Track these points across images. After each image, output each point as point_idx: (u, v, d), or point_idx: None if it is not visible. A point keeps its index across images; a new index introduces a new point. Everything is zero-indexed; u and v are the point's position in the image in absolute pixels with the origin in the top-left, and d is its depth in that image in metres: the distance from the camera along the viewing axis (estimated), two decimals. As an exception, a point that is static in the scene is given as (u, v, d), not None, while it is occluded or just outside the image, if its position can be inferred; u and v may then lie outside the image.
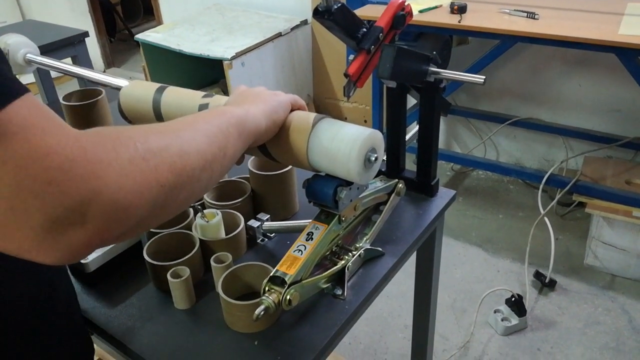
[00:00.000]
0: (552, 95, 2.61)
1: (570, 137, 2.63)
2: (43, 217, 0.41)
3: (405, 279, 1.43)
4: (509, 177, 2.81)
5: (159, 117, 0.92)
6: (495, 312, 1.99)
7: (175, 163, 0.52)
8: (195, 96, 0.89)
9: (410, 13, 0.87)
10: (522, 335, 1.94)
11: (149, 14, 4.77)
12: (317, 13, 0.77)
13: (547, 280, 2.11)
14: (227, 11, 3.35)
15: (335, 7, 0.76)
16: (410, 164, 1.12)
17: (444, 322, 2.01)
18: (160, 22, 3.87)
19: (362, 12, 2.30)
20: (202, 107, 0.85)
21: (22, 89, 0.42)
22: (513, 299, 1.96)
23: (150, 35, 3.07)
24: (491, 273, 2.24)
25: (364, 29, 0.82)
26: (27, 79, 3.47)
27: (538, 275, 2.14)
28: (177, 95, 0.90)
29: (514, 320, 1.95)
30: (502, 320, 1.95)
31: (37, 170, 0.41)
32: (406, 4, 0.87)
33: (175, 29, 3.14)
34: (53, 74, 1.87)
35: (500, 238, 2.43)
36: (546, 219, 2.22)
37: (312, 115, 0.78)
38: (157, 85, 0.93)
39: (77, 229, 0.43)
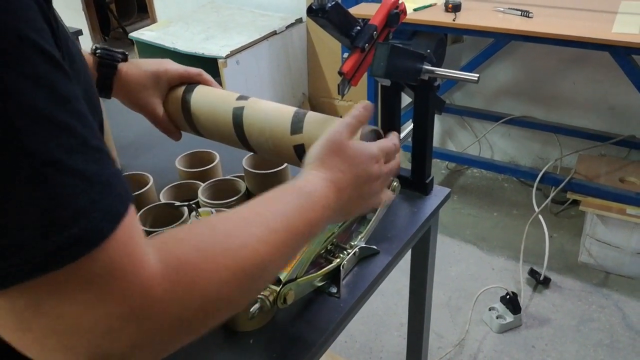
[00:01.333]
0: (547, 94, 2.62)
1: (564, 135, 2.64)
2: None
3: (400, 277, 1.43)
4: (504, 175, 2.82)
5: (189, 120, 0.91)
6: (490, 309, 2.00)
7: (238, 305, 0.50)
8: (228, 98, 0.88)
9: (404, 11, 0.87)
10: (516, 333, 1.95)
11: (143, 12, 4.75)
12: (311, 11, 0.77)
13: (541, 278, 2.12)
14: (222, 9, 3.34)
15: (329, 5, 0.76)
16: (405, 162, 1.12)
17: (439, 320, 2.01)
18: (154, 20, 3.86)
19: (357, 10, 2.31)
20: (237, 110, 0.85)
21: (131, 200, 0.41)
22: (508, 297, 1.97)
23: (144, 34, 3.06)
24: (486, 271, 2.24)
25: (358, 27, 0.82)
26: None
27: (532, 273, 2.15)
28: (209, 97, 0.90)
29: (509, 317, 1.95)
30: (497, 317, 1.96)
31: (114, 311, 0.38)
32: (400, 2, 0.87)
33: (170, 27, 3.13)
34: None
35: (495, 236, 2.44)
36: (540, 217, 2.23)
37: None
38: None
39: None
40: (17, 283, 0.36)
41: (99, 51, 0.88)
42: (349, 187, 0.62)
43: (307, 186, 0.58)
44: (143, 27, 3.21)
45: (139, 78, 0.91)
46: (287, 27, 3.02)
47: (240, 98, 0.89)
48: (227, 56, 2.70)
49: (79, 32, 2.45)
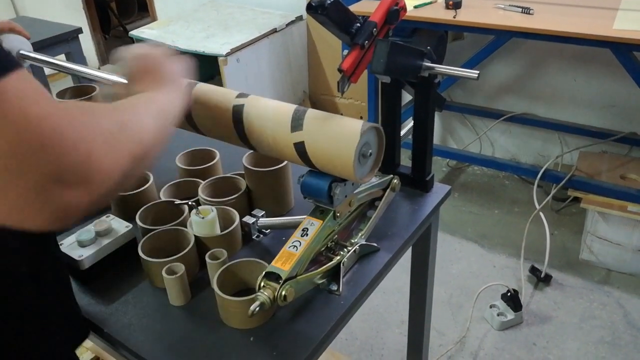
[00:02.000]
0: (548, 91, 2.62)
1: (566, 132, 2.63)
2: (37, 177, 0.44)
3: (401, 274, 1.43)
4: (505, 172, 2.82)
5: (188, 118, 0.91)
6: (491, 307, 2.00)
7: (141, 137, 0.58)
8: (228, 95, 0.88)
9: (404, 8, 0.87)
10: (517, 330, 1.95)
11: (144, 11, 4.75)
12: (310, 8, 0.76)
13: (542, 275, 2.12)
14: (222, 7, 3.34)
15: (329, 2, 0.76)
16: (405, 159, 1.12)
17: (440, 318, 2.01)
18: (154, 19, 3.85)
19: (357, 7, 2.30)
20: (237, 107, 0.85)
21: (16, 64, 0.45)
22: (509, 294, 1.96)
23: (145, 32, 3.06)
24: (487, 268, 2.24)
25: (358, 24, 0.81)
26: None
27: (534, 271, 2.15)
28: (209, 94, 0.90)
29: (510, 315, 1.95)
30: (498, 315, 1.96)
31: (32, 135, 0.44)
32: (400, -2, 0.87)
33: (170, 26, 3.12)
34: (47, 70, 1.87)
35: (496, 233, 2.43)
36: (541, 214, 2.23)
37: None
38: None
39: (68, 189, 0.46)
40: None
41: None
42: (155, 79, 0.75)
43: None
44: (143, 25, 3.20)
45: None
46: (288, 24, 3.01)
47: (240, 96, 0.89)
48: (228, 54, 2.70)
49: (79, 31, 2.45)
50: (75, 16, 4.28)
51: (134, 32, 3.07)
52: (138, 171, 0.59)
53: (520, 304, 1.96)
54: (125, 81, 0.80)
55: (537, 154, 2.82)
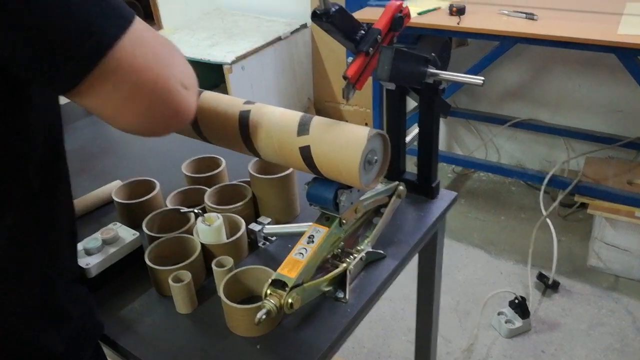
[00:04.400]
0: (553, 96, 2.61)
1: (571, 137, 2.63)
2: (175, 81, 0.57)
3: (408, 281, 1.42)
4: (511, 178, 2.81)
5: (194, 125, 0.91)
6: (498, 314, 1.99)
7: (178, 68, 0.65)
8: (235, 102, 0.89)
9: (408, 15, 0.87)
10: (526, 338, 1.93)
11: (149, 19, 4.78)
12: (315, 16, 0.77)
13: (550, 282, 2.10)
14: (227, 16, 3.35)
15: (333, 9, 0.76)
16: (411, 166, 1.12)
17: (448, 325, 2.00)
18: (160, 27, 3.87)
19: (361, 15, 2.31)
20: (243, 112, 0.86)
21: (133, 12, 0.56)
22: (516, 301, 1.95)
23: (150, 41, 3.08)
24: (494, 275, 2.23)
25: (362, 31, 0.82)
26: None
27: (541, 277, 2.14)
28: (215, 102, 0.90)
29: (518, 322, 1.94)
30: (506, 322, 1.95)
31: (161, 45, 0.58)
32: (404, 5, 0.87)
33: (176, 34, 3.14)
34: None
35: (502, 240, 2.42)
36: (548, 221, 2.22)
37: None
38: None
39: (189, 91, 0.59)
40: (120, 35, 0.52)
41: None
42: None
43: None
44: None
45: None
46: (292, 32, 3.02)
47: (246, 103, 0.89)
48: (233, 62, 2.71)
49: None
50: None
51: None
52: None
53: (528, 311, 1.95)
54: None
55: (543, 159, 2.81)
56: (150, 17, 4.22)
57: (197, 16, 3.45)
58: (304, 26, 3.09)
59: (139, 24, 0.56)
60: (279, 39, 2.95)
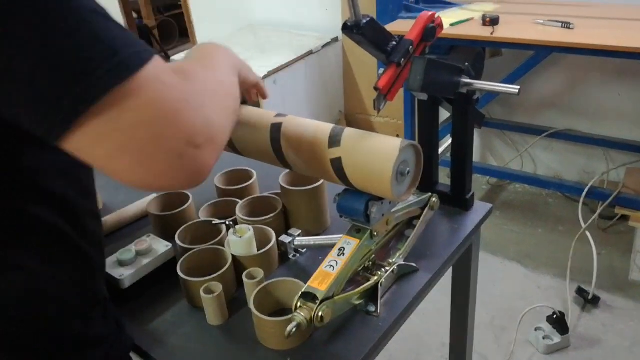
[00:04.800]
0: (591, 106, 2.55)
1: (611, 148, 2.55)
2: (177, 141, 0.51)
3: (441, 296, 1.39)
4: (548, 190, 2.74)
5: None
6: (536, 330, 1.93)
7: (233, 91, 0.68)
8: (267, 115, 0.89)
9: (440, 25, 0.86)
10: (565, 354, 1.87)
11: (185, 37, 4.88)
12: (346, 28, 0.77)
13: (590, 297, 2.03)
14: (259, 31, 3.40)
15: (364, 21, 0.76)
16: (444, 177, 1.10)
17: (483, 341, 1.95)
18: (195, 44, 3.95)
19: (392, 27, 2.30)
20: (275, 125, 0.86)
21: (152, 50, 0.53)
22: (555, 316, 1.89)
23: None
24: (531, 289, 2.17)
25: (394, 42, 0.81)
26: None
27: (580, 292, 2.07)
28: (247, 114, 0.91)
29: (556, 338, 1.88)
30: (544, 338, 1.89)
31: (170, 99, 0.51)
32: (436, 16, 0.86)
33: (209, 50, 3.20)
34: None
35: (540, 253, 2.36)
36: (588, 233, 2.15)
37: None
38: None
39: (200, 150, 0.53)
40: (109, 89, 0.48)
41: None
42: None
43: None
44: (184, 50, 3.29)
45: None
46: (323, 46, 3.04)
47: (278, 115, 0.89)
48: (265, 76, 2.73)
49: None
50: (119, 43, 4.43)
51: (175, 57, 3.16)
52: (234, 126, 0.66)
53: (567, 326, 1.89)
54: None
55: (581, 170, 2.73)
56: (185, 34, 4.32)
57: (231, 32, 3.51)
58: (335, 40, 3.10)
59: (156, 63, 0.52)
60: (311, 52, 2.97)
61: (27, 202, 0.61)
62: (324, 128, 0.84)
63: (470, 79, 0.90)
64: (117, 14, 4.39)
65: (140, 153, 0.50)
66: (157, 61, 0.52)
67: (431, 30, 0.83)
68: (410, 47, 0.81)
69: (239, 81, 0.82)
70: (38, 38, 0.47)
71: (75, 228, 0.67)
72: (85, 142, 0.50)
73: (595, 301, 2.04)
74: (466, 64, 0.86)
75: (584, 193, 2.25)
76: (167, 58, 4.41)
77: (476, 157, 3.01)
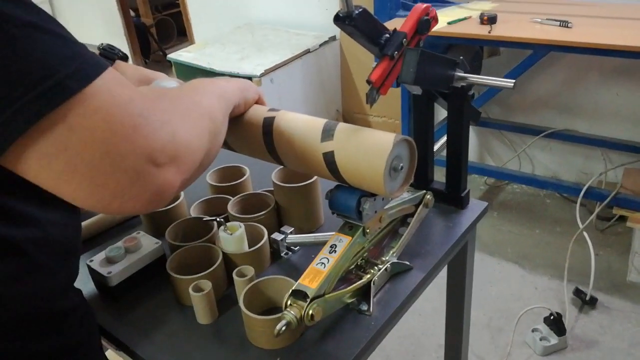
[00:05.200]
0: (589, 106, 2.53)
1: (609, 148, 2.54)
2: (134, 159, 0.48)
3: (438, 296, 1.38)
4: (546, 190, 2.73)
5: None
6: (533, 331, 1.91)
7: (211, 113, 0.63)
8: (260, 110, 0.88)
9: (435, 18, 0.84)
10: (562, 356, 1.85)
11: (183, 36, 4.87)
12: (337, 19, 0.75)
13: (587, 298, 2.02)
14: (257, 30, 3.38)
15: (357, 12, 0.74)
16: (439, 176, 1.08)
17: (480, 342, 1.94)
18: (192, 42, 3.94)
19: (390, 25, 2.27)
20: (267, 119, 0.85)
21: (105, 64, 0.50)
22: (552, 318, 1.88)
23: (182, 55, 3.12)
24: (528, 290, 2.15)
25: (387, 35, 0.80)
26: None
27: (578, 293, 2.05)
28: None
29: (553, 339, 1.86)
30: (541, 339, 1.87)
31: (124, 116, 0.48)
32: (431, 8, 0.84)
33: (206, 49, 3.18)
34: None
35: (537, 254, 2.34)
36: (585, 234, 2.13)
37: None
38: None
39: (161, 169, 0.50)
40: (46, 113, 0.45)
41: (102, 47, 0.98)
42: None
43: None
44: (182, 49, 3.27)
45: (129, 76, 0.96)
46: (321, 45, 3.02)
47: (271, 110, 0.88)
48: (262, 75, 2.72)
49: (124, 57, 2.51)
50: (117, 41, 4.42)
51: (172, 56, 3.14)
52: (214, 149, 0.64)
53: (564, 327, 1.87)
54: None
55: (579, 171, 2.72)
56: (184, 32, 4.31)
57: (228, 31, 3.49)
58: (333, 39, 3.09)
59: (106, 78, 0.49)
60: (308, 51, 2.96)
61: None
62: (317, 122, 0.82)
63: (465, 73, 0.88)
64: (114, 12, 4.38)
65: (92, 173, 0.47)
66: (108, 75, 0.49)
67: (425, 22, 0.81)
68: (404, 39, 0.80)
69: (241, 104, 0.82)
70: None
71: (35, 241, 0.60)
72: (30, 165, 0.47)
73: (592, 302, 2.02)
74: (461, 57, 0.85)
75: (582, 193, 2.23)
76: (164, 57, 4.39)
77: (474, 157, 3.00)
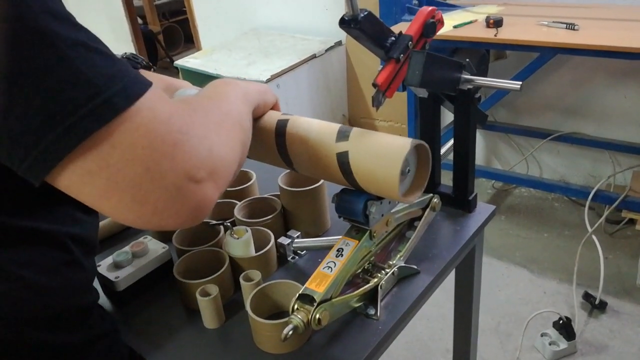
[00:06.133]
0: (597, 108, 2.52)
1: (617, 151, 2.52)
2: (175, 175, 0.48)
3: (445, 301, 1.37)
4: (554, 194, 2.71)
5: None
6: (542, 335, 1.90)
7: (241, 122, 0.63)
8: (274, 114, 0.87)
9: (441, 20, 0.84)
10: (572, 361, 1.84)
11: (190, 42, 4.89)
12: (343, 22, 0.75)
13: (597, 302, 2.00)
14: (263, 36, 3.39)
15: (362, 15, 0.74)
16: (446, 180, 1.08)
17: (488, 347, 1.92)
18: (199, 49, 3.96)
19: (396, 29, 2.28)
20: (281, 121, 0.84)
21: (149, 82, 0.51)
22: (561, 322, 1.86)
23: (189, 61, 3.14)
24: (537, 294, 2.14)
25: (393, 38, 0.79)
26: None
27: (587, 297, 2.04)
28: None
29: (563, 344, 1.84)
30: (550, 344, 1.86)
31: (164, 132, 0.48)
32: (437, 11, 0.84)
33: (213, 54, 3.19)
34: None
35: (545, 258, 2.33)
36: (594, 237, 2.12)
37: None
38: None
39: (200, 185, 0.50)
40: (94, 131, 0.45)
41: (125, 56, 0.97)
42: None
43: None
44: (189, 55, 3.29)
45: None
46: (327, 50, 3.03)
47: (285, 114, 0.87)
48: (268, 80, 2.72)
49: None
50: (125, 48, 4.44)
51: (179, 62, 3.15)
52: (245, 158, 0.64)
53: (574, 332, 1.85)
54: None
55: (587, 174, 2.70)
56: (190, 39, 4.33)
57: (235, 37, 3.51)
58: (339, 43, 3.09)
59: (149, 96, 0.49)
60: (314, 56, 2.96)
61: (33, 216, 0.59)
62: (332, 125, 0.82)
63: (471, 75, 0.88)
64: (122, 19, 4.41)
65: (133, 190, 0.48)
66: (151, 92, 0.50)
67: (431, 25, 0.81)
68: (410, 42, 0.79)
69: (260, 106, 0.81)
70: (17, 76, 0.44)
71: (73, 237, 0.65)
72: (72, 181, 0.48)
73: (602, 306, 2.00)
74: (467, 60, 0.84)
75: (590, 197, 2.22)
76: (172, 64, 4.41)
77: (481, 160, 2.99)
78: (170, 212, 0.49)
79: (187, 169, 0.49)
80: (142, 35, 4.66)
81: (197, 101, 0.59)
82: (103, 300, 0.96)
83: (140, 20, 4.79)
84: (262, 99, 0.82)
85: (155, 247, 0.98)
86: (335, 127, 0.80)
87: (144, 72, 0.98)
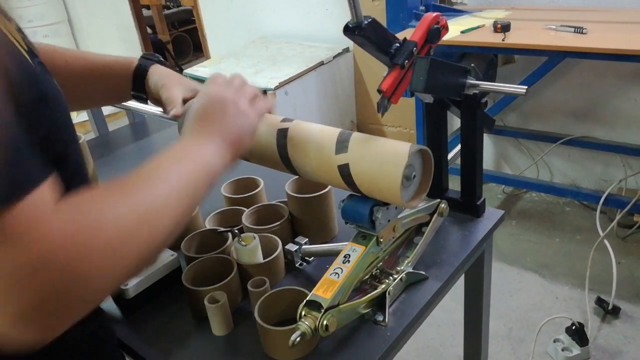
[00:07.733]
0: (607, 112, 2.50)
1: (628, 154, 2.50)
2: (33, 297, 0.43)
3: (456, 307, 1.36)
4: (565, 198, 2.69)
5: None
6: (554, 341, 1.88)
7: (158, 230, 0.54)
8: (273, 120, 0.88)
9: (445, 26, 0.84)
10: (585, 367, 1.82)
11: (199, 51, 4.93)
12: (347, 30, 0.75)
13: (610, 307, 1.98)
14: (271, 44, 3.41)
15: (366, 22, 0.74)
16: (454, 185, 1.08)
17: (500, 353, 1.91)
18: (208, 58, 3.98)
19: (402, 35, 2.29)
20: (281, 131, 0.85)
21: (41, 177, 0.45)
22: (574, 328, 1.84)
23: (197, 70, 3.16)
24: (549, 300, 2.12)
25: (397, 44, 0.80)
26: (81, 117, 3.64)
27: (600, 302, 2.01)
28: None
29: (576, 350, 1.82)
30: (563, 350, 1.84)
31: (34, 256, 0.43)
32: (441, 17, 0.84)
33: (222, 63, 3.21)
34: (105, 111, 1.92)
35: (557, 263, 2.31)
36: (606, 242, 2.10)
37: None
38: None
39: (55, 316, 0.45)
40: None
41: (143, 56, 1.01)
42: (215, 123, 0.71)
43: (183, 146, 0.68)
44: (198, 64, 3.31)
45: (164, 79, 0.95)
46: (335, 57, 3.04)
47: (284, 120, 0.88)
48: (276, 88, 2.74)
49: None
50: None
51: (188, 71, 3.18)
52: (147, 264, 0.58)
53: (587, 338, 1.83)
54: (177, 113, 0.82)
55: (598, 178, 2.68)
56: (199, 48, 4.36)
57: (243, 45, 3.53)
58: (347, 50, 3.10)
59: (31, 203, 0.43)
60: (322, 63, 2.97)
61: None
62: (331, 133, 0.82)
63: (477, 80, 0.88)
64: (132, 29, 4.45)
65: None
66: (42, 190, 0.44)
67: (435, 31, 0.82)
68: (414, 48, 0.80)
69: (244, 140, 0.74)
70: None
71: None
72: None
73: (615, 312, 1.98)
74: (472, 64, 0.84)
75: (602, 201, 2.20)
76: (181, 72, 4.46)
77: (491, 165, 2.97)
78: (15, 335, 0.44)
79: (49, 292, 0.44)
80: (152, 44, 4.70)
81: (114, 192, 0.51)
82: (112, 307, 0.96)
83: (149, 30, 4.83)
84: (247, 131, 0.75)
85: (163, 255, 0.99)
86: (334, 136, 0.81)
87: (157, 67, 0.99)
